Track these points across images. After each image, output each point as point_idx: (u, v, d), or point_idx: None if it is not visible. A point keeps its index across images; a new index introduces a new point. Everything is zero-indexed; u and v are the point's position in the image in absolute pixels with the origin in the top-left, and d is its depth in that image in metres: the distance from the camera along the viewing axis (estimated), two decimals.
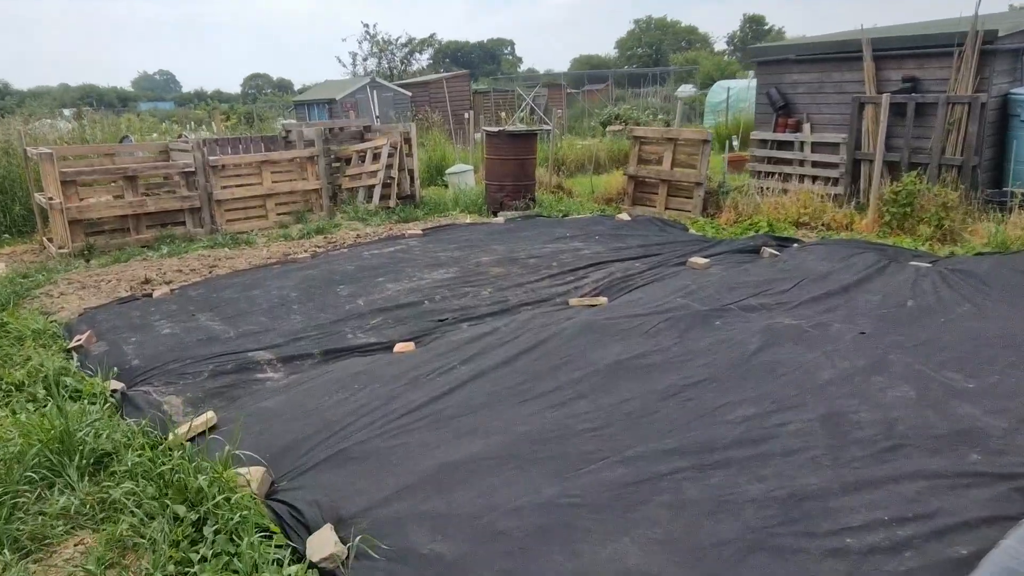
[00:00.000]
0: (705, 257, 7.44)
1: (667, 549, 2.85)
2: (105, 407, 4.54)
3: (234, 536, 3.02)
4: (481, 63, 70.53)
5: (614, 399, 4.17)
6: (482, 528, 2.99)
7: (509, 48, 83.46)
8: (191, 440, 4.04)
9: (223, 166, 10.23)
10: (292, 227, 10.59)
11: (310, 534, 3.06)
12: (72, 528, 3.41)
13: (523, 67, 75.80)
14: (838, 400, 4.06)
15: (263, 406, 4.43)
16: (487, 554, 2.86)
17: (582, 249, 8.17)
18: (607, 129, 21.89)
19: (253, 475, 3.40)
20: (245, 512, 3.04)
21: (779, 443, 3.63)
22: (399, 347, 5.33)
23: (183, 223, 9.90)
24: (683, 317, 5.47)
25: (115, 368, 5.11)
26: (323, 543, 2.94)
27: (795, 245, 8.28)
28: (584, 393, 4.26)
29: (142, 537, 3.17)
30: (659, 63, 58.50)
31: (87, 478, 3.78)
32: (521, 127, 15.19)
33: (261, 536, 3.06)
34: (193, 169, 9.82)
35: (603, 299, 6.27)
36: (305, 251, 8.92)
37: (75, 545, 3.29)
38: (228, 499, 3.12)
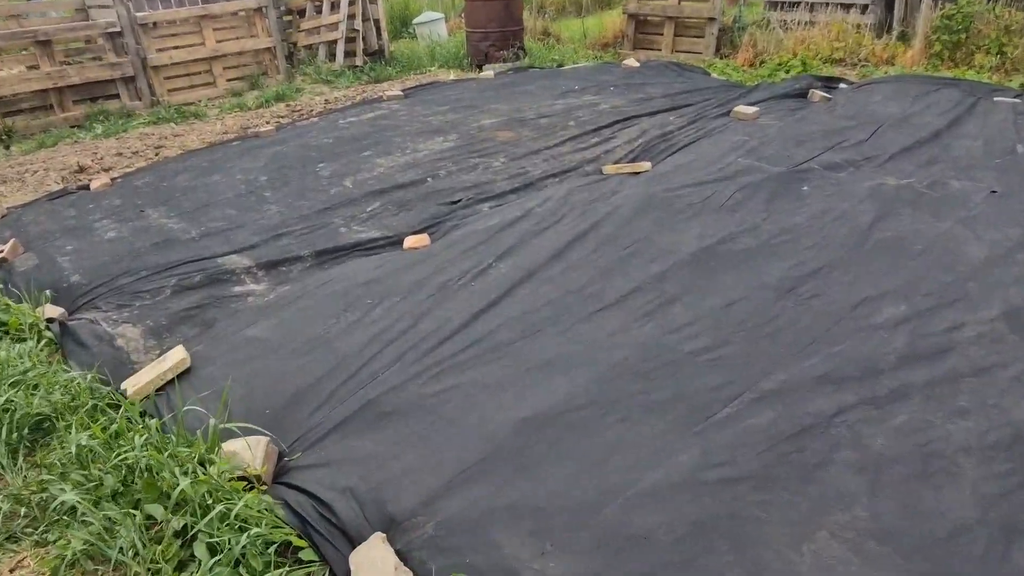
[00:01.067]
0: (750, 105, 6.26)
1: (890, 549, 1.94)
2: (40, 347, 3.47)
3: (241, 562, 2.05)
4: None
5: (716, 301, 3.16)
6: (608, 530, 2.03)
7: None
8: (159, 392, 3.01)
9: (155, 24, 8.52)
10: (247, 94, 9.05)
11: (352, 546, 2.10)
12: (7, 540, 2.43)
13: None
14: (1012, 288, 3.10)
15: (249, 335, 3.36)
16: None
17: (599, 103, 6.91)
18: None
19: (255, 456, 2.39)
20: (257, 531, 2.04)
21: (963, 357, 2.68)
22: (410, 241, 4.22)
23: (116, 96, 8.32)
24: (760, 183, 4.39)
25: (49, 290, 3.97)
26: (374, 569, 1.99)
27: (842, 85, 7.11)
28: (674, 295, 3.24)
29: (105, 558, 2.21)
30: None
31: (21, 457, 2.78)
32: None
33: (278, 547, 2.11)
34: (119, 29, 8.14)
35: (646, 164, 5.14)
36: (267, 123, 7.52)
37: (10, 571, 2.32)
38: (228, 510, 2.11)
